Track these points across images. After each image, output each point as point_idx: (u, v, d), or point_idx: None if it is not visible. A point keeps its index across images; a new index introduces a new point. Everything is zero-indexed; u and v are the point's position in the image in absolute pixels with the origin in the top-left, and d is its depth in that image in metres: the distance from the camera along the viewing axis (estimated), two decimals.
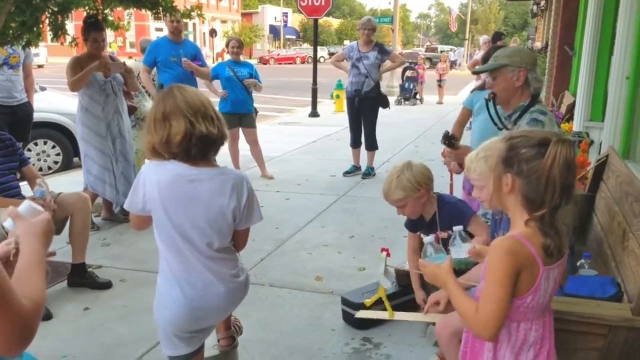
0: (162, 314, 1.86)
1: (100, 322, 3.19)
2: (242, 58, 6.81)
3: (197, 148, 1.79)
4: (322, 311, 3.37)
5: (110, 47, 33.82)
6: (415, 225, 2.79)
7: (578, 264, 2.30)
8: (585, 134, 4.84)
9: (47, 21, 4.11)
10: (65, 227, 3.54)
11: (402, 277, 3.33)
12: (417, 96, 15.65)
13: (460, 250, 1.69)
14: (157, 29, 44.81)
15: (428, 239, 1.74)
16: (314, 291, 3.63)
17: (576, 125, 5.25)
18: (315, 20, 12.63)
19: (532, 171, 1.46)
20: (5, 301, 0.98)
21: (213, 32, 32.59)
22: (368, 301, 2.60)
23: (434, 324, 2.47)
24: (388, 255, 2.60)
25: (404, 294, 3.20)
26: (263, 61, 42.11)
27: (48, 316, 3.20)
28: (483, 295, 1.48)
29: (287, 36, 58.78)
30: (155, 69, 5.92)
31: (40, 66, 16.97)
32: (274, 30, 56.69)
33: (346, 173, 6.81)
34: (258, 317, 3.24)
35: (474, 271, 2.30)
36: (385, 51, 6.63)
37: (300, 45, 58.74)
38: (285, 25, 56.96)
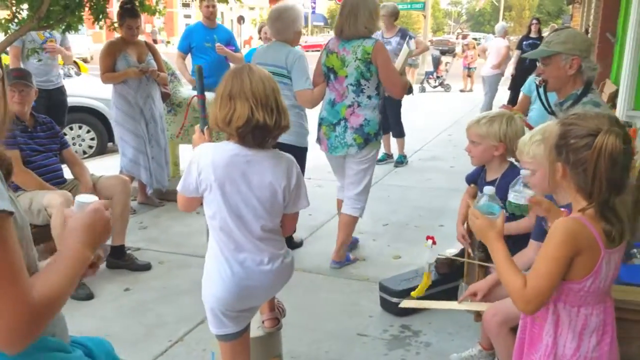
0: (211, 293, 1.88)
1: (141, 302, 3.24)
2: None
3: (252, 135, 1.80)
4: (359, 298, 3.36)
5: (159, 33, 33.75)
6: (474, 181, 2.78)
7: (631, 252, 2.24)
8: (628, 124, 4.69)
9: (88, 4, 4.15)
10: None
11: (441, 266, 3.30)
12: (444, 83, 15.50)
13: (519, 196, 1.65)
14: (185, 15, 45.06)
15: (487, 189, 1.68)
16: (350, 278, 3.62)
17: (619, 114, 5.09)
18: None
19: (579, 163, 1.44)
20: (10, 290, 0.93)
21: (241, 19, 32.61)
22: (414, 293, 2.57)
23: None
24: (434, 243, 2.56)
25: (443, 282, 3.17)
26: None
27: (90, 296, 3.27)
28: (534, 270, 1.45)
29: (314, 23, 58.49)
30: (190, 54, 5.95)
31: (84, 60, 16.87)
32: None
33: (378, 161, 6.76)
34: (294, 302, 3.20)
35: (524, 255, 2.26)
36: (407, 35, 6.49)
37: (328, 32, 58.39)
38: (313, 12, 56.66)
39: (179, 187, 1.88)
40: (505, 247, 1.57)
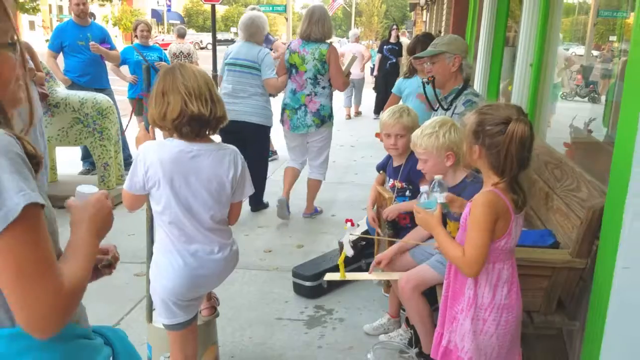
0: (162, 284, 1.93)
1: None
2: (150, 42, 6.65)
3: (189, 127, 1.86)
4: (272, 286, 3.53)
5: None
6: (384, 167, 3.03)
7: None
8: None
9: None
10: None
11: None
12: None
13: (440, 196, 1.93)
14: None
15: (423, 188, 1.96)
16: (260, 269, 3.76)
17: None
18: (213, 6, 12.45)
19: (494, 145, 1.74)
20: (46, 277, 0.98)
21: (91, 16, 30.57)
22: (340, 260, 2.78)
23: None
24: (352, 225, 2.81)
25: (355, 260, 3.49)
26: None
27: None
28: (468, 241, 1.74)
29: (170, 21, 56.63)
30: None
31: None
32: (156, 15, 54.29)
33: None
34: None
35: (419, 230, 2.60)
36: (268, 40, 6.68)
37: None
38: (168, 10, 54.87)
39: (125, 186, 1.91)
40: (444, 229, 1.87)
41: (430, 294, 2.50)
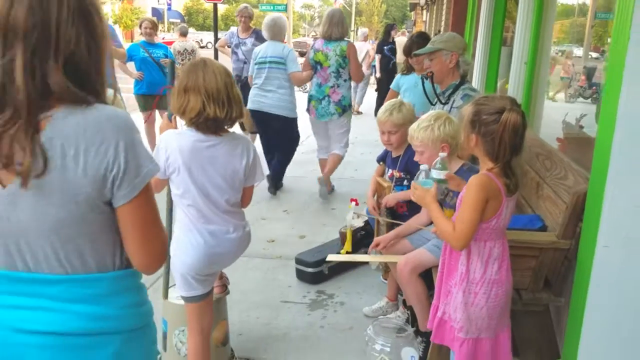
0: (182, 260, 2.09)
1: None
2: (156, 39, 6.80)
3: (205, 125, 2.03)
4: (275, 273, 3.70)
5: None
6: (384, 159, 3.21)
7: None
8: None
9: None
10: None
11: (344, 237, 3.76)
12: None
13: (440, 173, 2.09)
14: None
15: (423, 166, 2.13)
16: (264, 257, 3.93)
17: None
18: (215, 5, 12.63)
19: (489, 133, 1.90)
20: (159, 226, 1.25)
21: None
22: (343, 251, 2.94)
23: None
24: (357, 204, 2.98)
25: (354, 250, 3.62)
26: None
27: None
28: (459, 217, 1.91)
29: (170, 20, 56.79)
30: None
31: None
32: (156, 14, 54.26)
33: None
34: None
35: (417, 217, 2.78)
36: (262, 38, 6.86)
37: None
38: (169, 9, 55.01)
39: None
40: (439, 206, 2.03)
41: (426, 277, 2.67)
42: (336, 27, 4.97)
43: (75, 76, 1.12)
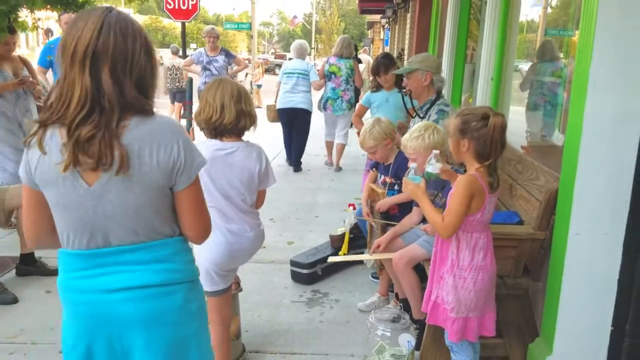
0: (205, 256, 2.32)
1: None
2: None
3: (215, 131, 2.32)
4: (270, 276, 3.93)
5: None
6: (376, 166, 3.48)
7: None
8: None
9: None
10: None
11: (335, 241, 4.04)
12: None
13: (434, 167, 2.37)
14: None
15: (412, 165, 2.43)
16: (258, 262, 4.14)
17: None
18: (183, 24, 12.78)
19: (481, 136, 2.22)
20: (206, 206, 1.60)
21: (49, 32, 30.22)
22: (341, 252, 3.18)
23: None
24: (354, 209, 3.24)
25: (336, 254, 3.92)
26: None
27: (15, 300, 3.33)
28: (448, 209, 2.22)
29: None
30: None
31: None
32: None
33: None
34: None
35: (409, 217, 3.08)
36: (230, 55, 7.81)
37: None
38: None
39: None
40: (429, 199, 2.34)
41: (418, 269, 2.97)
42: (346, 49, 7.12)
43: (142, 92, 1.45)
